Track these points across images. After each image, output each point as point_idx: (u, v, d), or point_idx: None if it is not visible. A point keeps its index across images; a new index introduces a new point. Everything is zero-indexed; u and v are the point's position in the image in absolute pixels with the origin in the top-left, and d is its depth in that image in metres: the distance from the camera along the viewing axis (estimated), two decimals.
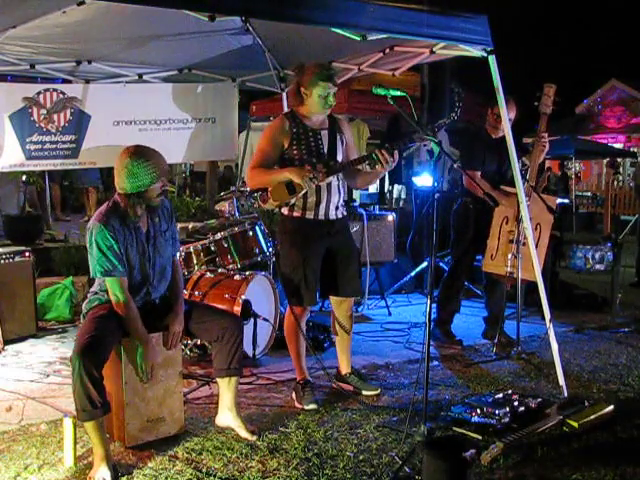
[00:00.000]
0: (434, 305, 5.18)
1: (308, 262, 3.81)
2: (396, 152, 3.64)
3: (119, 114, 5.85)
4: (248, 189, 3.84)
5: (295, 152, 3.77)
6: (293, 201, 3.76)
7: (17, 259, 5.22)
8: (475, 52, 4.11)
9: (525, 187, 4.56)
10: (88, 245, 3.24)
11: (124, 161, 3.20)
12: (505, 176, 5.13)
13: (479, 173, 5.04)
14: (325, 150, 3.82)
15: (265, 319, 4.61)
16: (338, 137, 3.89)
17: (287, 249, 3.91)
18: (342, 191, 3.92)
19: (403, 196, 8.79)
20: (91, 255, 3.24)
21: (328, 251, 3.91)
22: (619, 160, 21.12)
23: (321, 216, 3.84)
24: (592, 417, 3.58)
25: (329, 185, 3.81)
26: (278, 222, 4.00)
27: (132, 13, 4.13)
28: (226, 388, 3.46)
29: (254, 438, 3.39)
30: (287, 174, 3.68)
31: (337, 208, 3.90)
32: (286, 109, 6.55)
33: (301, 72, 3.81)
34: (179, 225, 4.43)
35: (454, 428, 3.52)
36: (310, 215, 3.82)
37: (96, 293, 3.36)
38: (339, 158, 3.85)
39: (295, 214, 3.84)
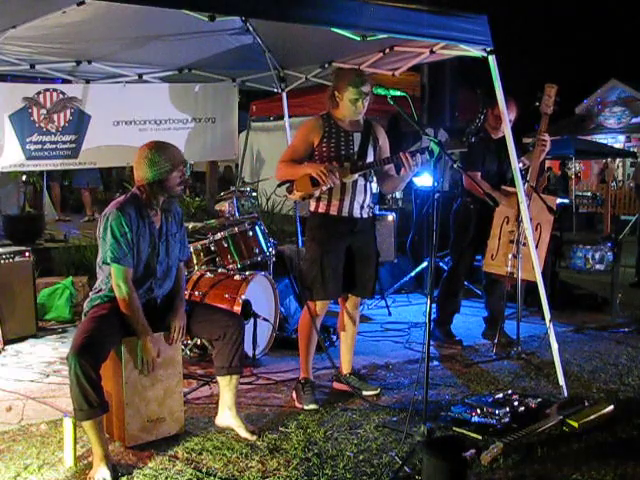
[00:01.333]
0: (434, 305, 5.18)
1: (326, 257, 3.86)
2: (418, 156, 3.70)
3: (119, 114, 5.85)
4: (276, 180, 3.93)
5: (324, 149, 3.84)
6: (317, 193, 3.81)
7: (17, 259, 5.21)
8: (475, 52, 4.11)
9: (525, 187, 4.56)
10: (102, 231, 3.27)
11: (143, 153, 3.32)
12: (505, 176, 5.13)
13: (479, 174, 5.04)
14: (355, 150, 3.88)
15: (265, 319, 4.61)
16: (371, 140, 3.95)
17: (309, 244, 4.00)
18: (369, 192, 3.97)
19: (400, 196, 8.78)
20: (104, 241, 3.26)
21: (348, 249, 3.95)
22: (607, 162, 21.17)
23: (345, 213, 3.89)
24: (592, 417, 3.58)
25: (355, 183, 3.86)
26: (306, 219, 4.08)
27: (132, 13, 4.13)
28: (227, 387, 3.47)
29: (254, 438, 3.39)
30: (307, 169, 3.77)
31: (362, 207, 3.94)
32: (286, 109, 6.58)
33: (337, 76, 3.93)
34: None
35: (454, 428, 3.52)
36: (334, 211, 3.88)
37: (99, 290, 3.37)
38: (369, 160, 3.90)
39: (320, 210, 3.91)
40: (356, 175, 3.82)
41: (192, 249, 5.03)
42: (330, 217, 3.89)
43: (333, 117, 3.91)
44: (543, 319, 4.39)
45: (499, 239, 5.00)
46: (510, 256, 4.86)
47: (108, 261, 3.25)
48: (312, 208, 3.95)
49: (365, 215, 3.98)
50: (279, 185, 3.93)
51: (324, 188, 3.77)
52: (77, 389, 2.95)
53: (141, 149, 3.36)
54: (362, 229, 3.98)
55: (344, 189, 3.85)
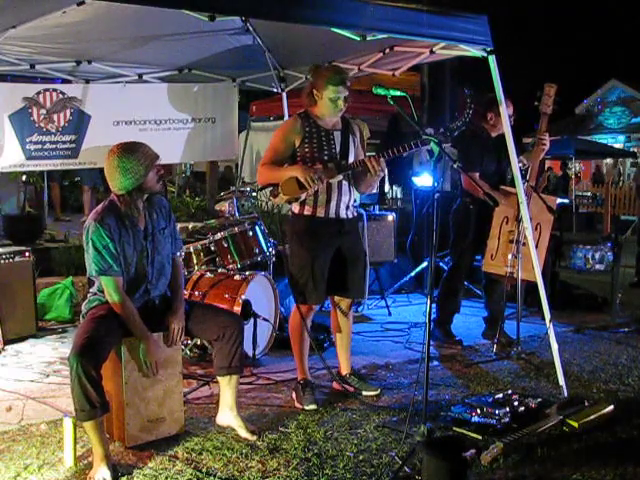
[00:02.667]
0: (434, 305, 5.18)
1: (316, 261, 3.82)
2: (382, 160, 3.70)
3: (119, 114, 5.85)
4: (259, 185, 3.89)
5: (307, 150, 3.79)
6: (303, 196, 3.77)
7: (17, 259, 5.21)
8: (475, 52, 4.11)
9: (525, 187, 4.56)
10: (85, 244, 3.25)
11: (113, 162, 3.22)
12: (504, 176, 5.13)
13: (478, 174, 5.03)
14: (337, 150, 3.85)
15: (265, 319, 4.61)
16: (351, 138, 3.92)
17: (296, 248, 3.92)
18: (353, 192, 3.95)
19: (399, 196, 8.80)
20: (87, 254, 3.25)
21: (337, 251, 3.92)
22: (601, 165, 21.22)
23: (332, 215, 3.86)
24: (592, 417, 3.58)
25: (340, 184, 3.83)
26: (288, 221, 4.00)
27: (132, 13, 4.13)
28: (227, 387, 3.47)
29: (254, 438, 3.39)
30: (293, 172, 3.72)
31: (348, 208, 3.92)
32: (286, 109, 6.57)
33: (315, 74, 3.86)
34: (179, 225, 4.43)
35: (454, 428, 3.52)
36: (321, 213, 3.84)
37: (96, 293, 3.36)
38: (351, 159, 3.87)
39: (306, 212, 3.85)
40: (341, 175, 3.79)
41: (192, 249, 5.03)
42: (317, 219, 3.84)
43: (312, 116, 3.85)
44: (543, 319, 4.39)
45: (499, 239, 5.00)
46: (510, 256, 4.85)
47: (94, 274, 3.24)
48: (296, 210, 3.88)
49: (351, 215, 3.95)
50: (261, 188, 3.89)
51: (311, 191, 3.74)
52: (79, 389, 2.95)
53: (109, 157, 3.23)
54: (349, 230, 3.96)
55: (330, 190, 3.82)
